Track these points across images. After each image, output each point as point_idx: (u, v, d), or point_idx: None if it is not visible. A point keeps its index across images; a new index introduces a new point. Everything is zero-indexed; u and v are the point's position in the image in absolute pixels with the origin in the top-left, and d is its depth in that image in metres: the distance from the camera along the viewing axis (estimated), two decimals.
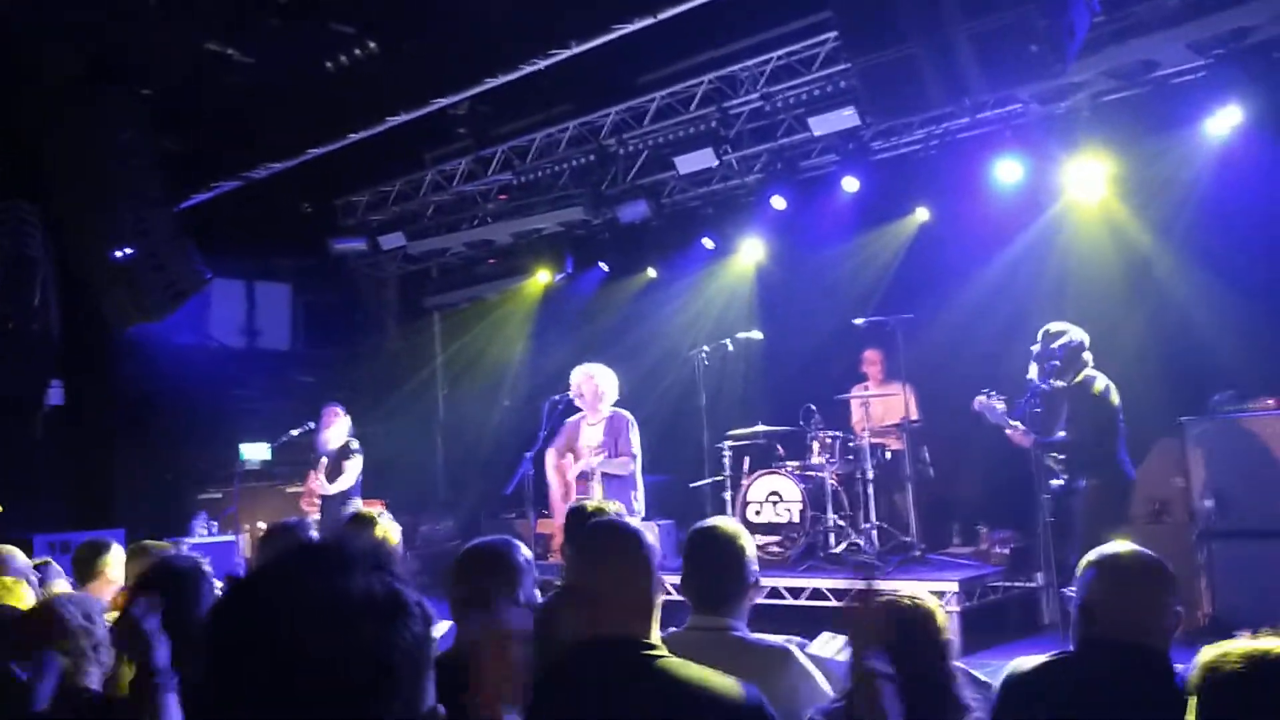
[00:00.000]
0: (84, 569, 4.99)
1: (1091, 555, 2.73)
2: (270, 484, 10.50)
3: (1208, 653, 1.91)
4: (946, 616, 2.80)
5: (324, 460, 8.46)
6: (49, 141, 8.81)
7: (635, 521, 2.54)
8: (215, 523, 9.78)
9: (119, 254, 8.55)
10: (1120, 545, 2.73)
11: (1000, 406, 6.55)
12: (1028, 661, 2.75)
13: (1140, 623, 2.56)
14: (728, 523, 3.50)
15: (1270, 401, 6.83)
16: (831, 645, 4.86)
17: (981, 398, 6.62)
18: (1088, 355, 6.48)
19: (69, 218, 8.97)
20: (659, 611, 2.41)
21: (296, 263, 12.04)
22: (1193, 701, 1.85)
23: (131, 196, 8.61)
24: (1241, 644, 1.87)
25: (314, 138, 9.31)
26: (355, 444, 8.51)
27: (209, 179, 9.80)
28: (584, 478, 7.14)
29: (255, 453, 10.55)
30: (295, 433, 9.20)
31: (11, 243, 9.03)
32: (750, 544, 3.27)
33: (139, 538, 5.30)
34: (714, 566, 3.20)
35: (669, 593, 2.55)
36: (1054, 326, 6.52)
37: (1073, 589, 2.75)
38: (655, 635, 2.36)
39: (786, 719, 2.95)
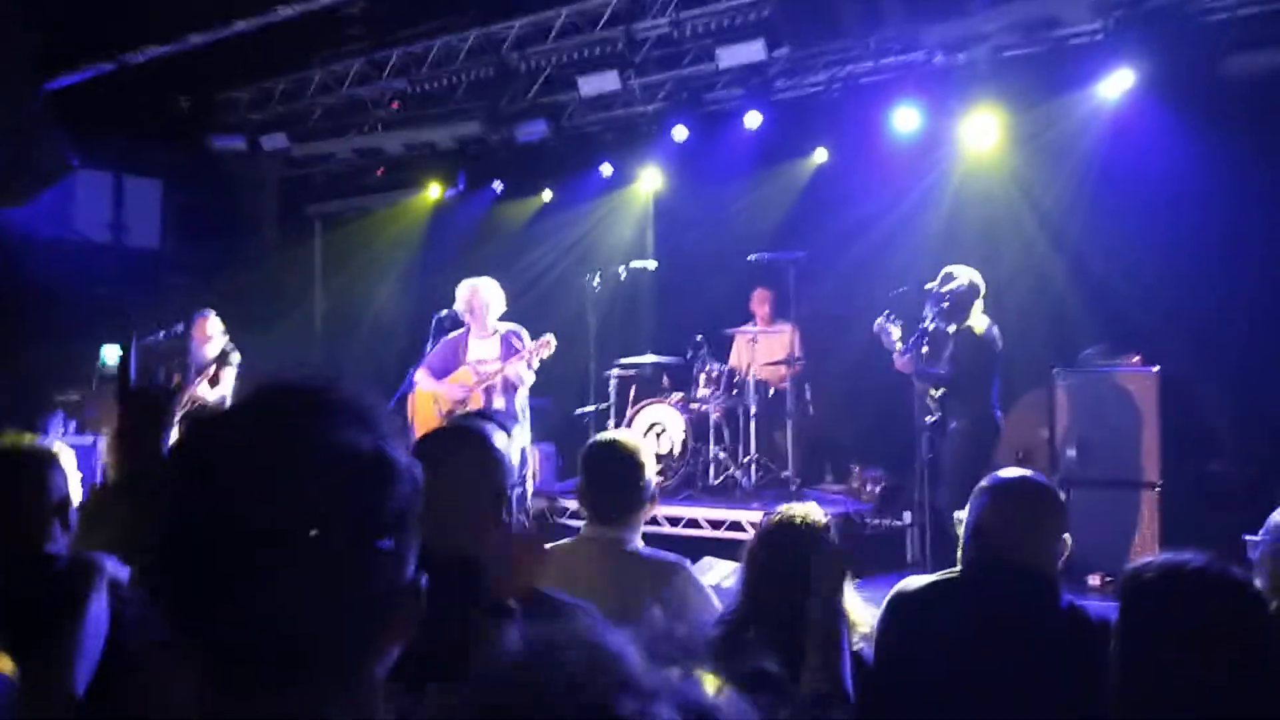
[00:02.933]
0: None
1: (985, 481, 2.79)
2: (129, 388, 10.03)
3: (1129, 567, 1.98)
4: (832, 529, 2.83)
5: (203, 368, 8.13)
6: None
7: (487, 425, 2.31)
8: (73, 423, 9.31)
9: None
10: (1014, 470, 2.79)
11: (896, 332, 6.70)
12: (915, 581, 2.80)
13: (1028, 545, 2.62)
14: (628, 437, 3.48)
15: (1136, 358, 7.14)
16: (715, 571, 4.94)
17: (881, 320, 6.78)
18: (980, 302, 6.67)
19: None
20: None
21: (170, 158, 11.40)
22: None
23: None
24: (1162, 557, 1.93)
25: (197, 23, 8.78)
26: (234, 352, 8.18)
27: (81, 59, 9.15)
28: (488, 390, 7.03)
29: (115, 355, 10.04)
30: (161, 334, 8.78)
31: None
32: (650, 460, 3.25)
33: None
34: (612, 479, 3.18)
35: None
36: (953, 269, 6.68)
37: (961, 513, 2.80)
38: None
39: None
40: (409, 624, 0.94)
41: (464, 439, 2.22)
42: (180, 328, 8.57)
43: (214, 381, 8.08)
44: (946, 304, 6.50)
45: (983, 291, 6.66)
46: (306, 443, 0.87)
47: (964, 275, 6.62)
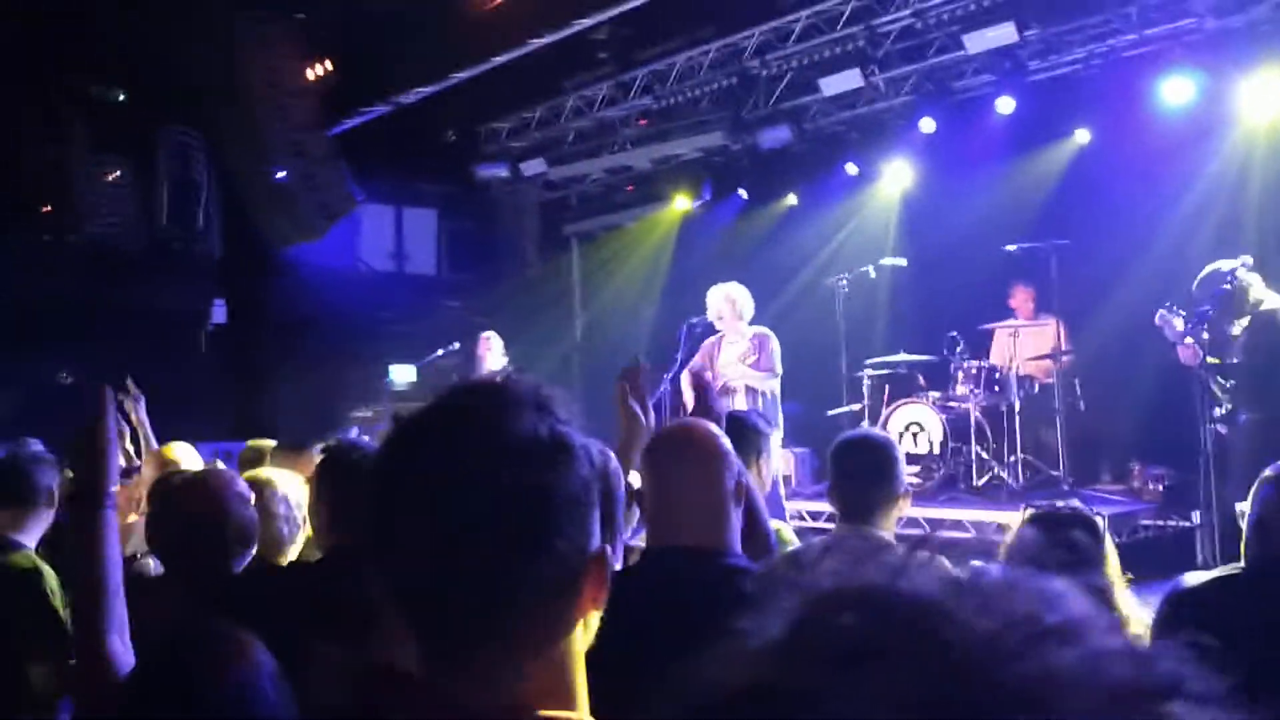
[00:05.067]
0: (248, 469, 5.25)
1: (1269, 471, 2.59)
2: (417, 404, 10.84)
3: None
4: (1104, 526, 2.70)
5: None
6: (209, 67, 9.17)
7: (714, 428, 2.39)
8: (367, 439, 10.16)
9: (279, 175, 8.86)
10: None
11: (1179, 324, 6.24)
12: (1195, 577, 2.64)
13: None
14: (878, 432, 3.46)
15: None
16: None
17: (1164, 311, 6.33)
18: (1260, 286, 6.11)
19: (229, 141, 9.34)
20: (737, 521, 2.28)
21: (441, 189, 12.29)
22: None
23: (287, 119, 8.90)
24: None
25: (457, 62, 9.42)
26: (514, 368, 8.68)
27: (358, 103, 10.04)
28: (725, 392, 7.11)
29: (402, 374, 10.90)
30: (440, 353, 9.46)
31: (178, 166, 9.46)
32: (900, 454, 3.21)
33: None
34: (862, 475, 3.14)
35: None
36: (1218, 265, 6.15)
37: (1244, 505, 2.61)
38: (731, 544, 2.25)
39: None
40: (599, 591, 1.04)
41: (688, 438, 2.32)
42: (456, 346, 9.19)
43: None
44: (1216, 310, 6.00)
45: (1253, 283, 6.08)
46: (490, 428, 1.00)
47: (1235, 275, 6.04)
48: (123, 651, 1.88)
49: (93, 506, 1.91)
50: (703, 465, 2.26)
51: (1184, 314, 6.30)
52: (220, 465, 5.61)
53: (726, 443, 2.32)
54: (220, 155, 9.64)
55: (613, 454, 1.13)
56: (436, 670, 1.02)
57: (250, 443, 5.47)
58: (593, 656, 1.07)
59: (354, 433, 10.31)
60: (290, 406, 10.77)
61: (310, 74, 9.21)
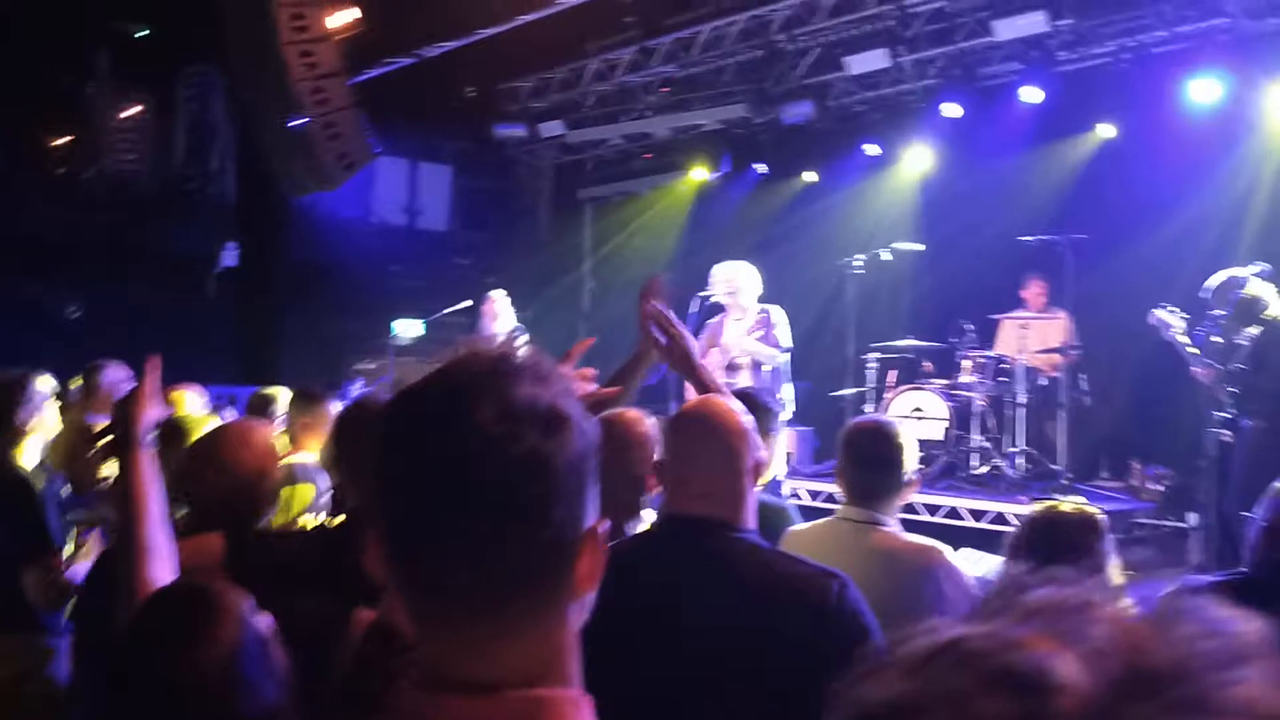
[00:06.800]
0: (255, 417, 5.28)
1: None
2: (421, 359, 10.85)
3: None
4: (1107, 525, 2.71)
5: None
6: (233, 9, 9.10)
7: (736, 403, 2.42)
8: (371, 389, 10.20)
9: (297, 121, 8.82)
10: None
11: (1179, 324, 6.24)
12: (1199, 580, 2.66)
13: None
14: (891, 421, 3.47)
15: None
16: (977, 564, 4.81)
17: (1160, 311, 6.34)
18: (1268, 302, 6.11)
19: (249, 84, 9.29)
20: (753, 496, 2.31)
21: (458, 145, 12.24)
22: None
23: (311, 65, 8.84)
24: None
25: (482, 19, 9.35)
26: (522, 330, 8.67)
27: (381, 54, 9.97)
28: (732, 368, 7.11)
29: (409, 329, 10.90)
30: (447, 311, 9.46)
31: (196, 107, 9.42)
32: (911, 444, 3.23)
33: None
34: (871, 460, 3.17)
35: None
36: (1233, 273, 6.15)
37: (1250, 513, 2.63)
38: (745, 520, 2.28)
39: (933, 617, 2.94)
40: (594, 567, 1.04)
41: (713, 412, 2.34)
42: (467, 303, 9.18)
43: None
44: (1227, 316, 6.00)
45: (1265, 292, 6.07)
46: (490, 396, 1.00)
47: (1248, 283, 6.05)
48: (168, 578, 1.97)
49: (131, 447, 2.10)
50: (725, 441, 2.28)
51: (1184, 315, 6.30)
52: (230, 412, 5.64)
53: (749, 420, 2.34)
54: (240, 97, 9.58)
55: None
56: (429, 639, 1.02)
57: (261, 390, 5.50)
58: (595, 620, 1.07)
59: (358, 384, 10.36)
60: (296, 354, 10.80)
61: (336, 21, 9.14)
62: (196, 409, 4.93)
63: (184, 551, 2.12)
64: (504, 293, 8.88)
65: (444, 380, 1.04)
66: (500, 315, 8.74)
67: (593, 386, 2.04)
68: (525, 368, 1.04)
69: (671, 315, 2.99)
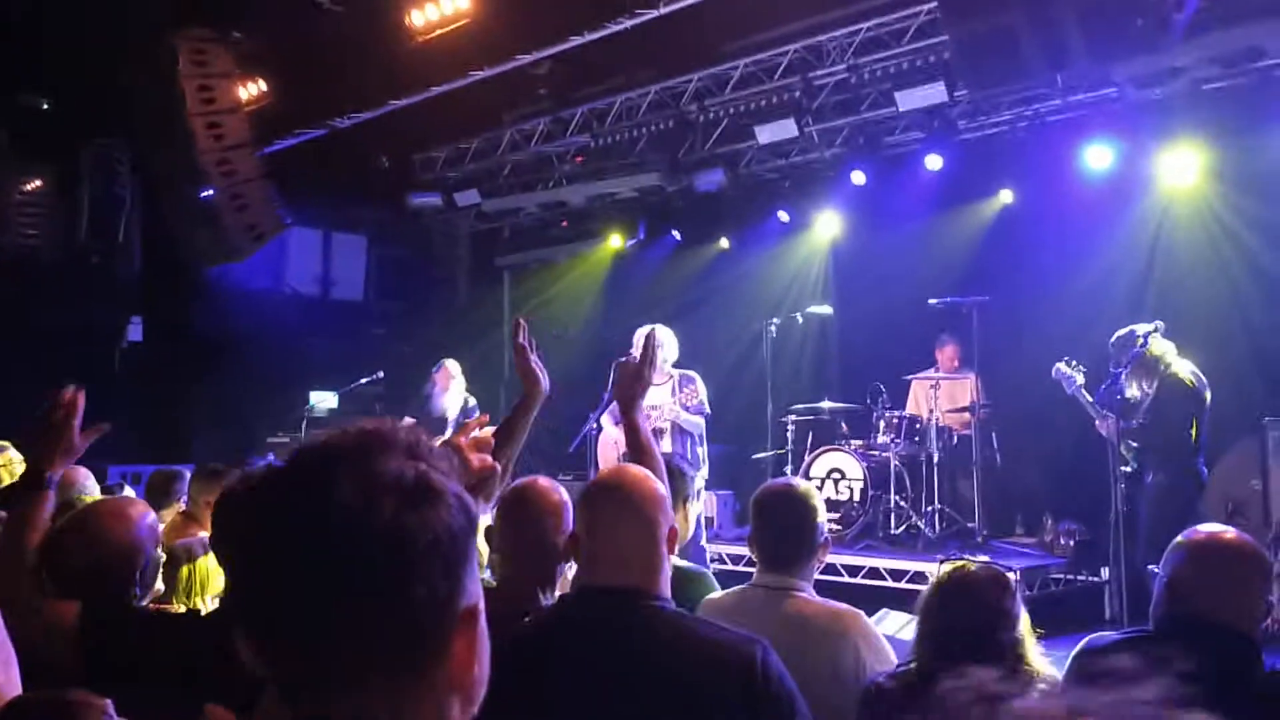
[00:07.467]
0: (157, 496, 5.11)
1: (1181, 538, 2.65)
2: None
3: None
4: (1014, 585, 2.74)
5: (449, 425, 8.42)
6: (139, 81, 8.98)
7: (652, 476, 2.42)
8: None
9: (206, 193, 8.70)
10: (1213, 525, 2.65)
11: (1079, 379, 6.42)
12: (1103, 637, 2.69)
13: (1227, 605, 2.47)
14: (800, 483, 3.47)
15: None
16: (890, 621, 4.82)
17: (1062, 365, 6.52)
18: (1171, 353, 6.33)
19: (155, 157, 9.14)
20: (668, 565, 2.31)
21: (372, 215, 12.16)
22: None
23: (217, 137, 8.75)
24: None
25: (395, 90, 9.36)
26: (473, 403, 8.55)
27: (292, 126, 9.91)
28: (655, 433, 7.10)
29: (324, 400, 10.71)
30: (363, 381, 9.33)
31: (101, 179, 9.23)
32: (821, 506, 3.23)
33: None
34: (784, 525, 3.16)
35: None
36: (1134, 329, 6.36)
37: (1155, 568, 2.67)
38: (662, 588, 2.28)
39: (851, 682, 2.92)
40: (471, 651, 0.99)
41: (627, 482, 2.33)
42: (380, 374, 9.06)
43: None
44: (1128, 372, 6.21)
45: (1164, 349, 6.30)
46: (352, 469, 0.96)
47: (1149, 340, 6.26)
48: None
49: (36, 487, 2.13)
50: (640, 511, 2.26)
51: (1082, 368, 6.49)
52: (129, 491, 5.45)
53: (664, 488, 2.32)
54: (146, 170, 9.42)
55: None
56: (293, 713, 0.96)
57: (162, 469, 5.33)
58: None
59: (270, 459, 10.09)
60: (207, 429, 10.51)
61: (244, 93, 9.08)
62: (90, 489, 4.76)
63: (39, 618, 2.01)
64: (452, 362, 8.77)
65: (309, 453, 1.00)
66: (451, 386, 8.63)
67: (489, 444, 1.98)
68: (397, 441, 1.00)
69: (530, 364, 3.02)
